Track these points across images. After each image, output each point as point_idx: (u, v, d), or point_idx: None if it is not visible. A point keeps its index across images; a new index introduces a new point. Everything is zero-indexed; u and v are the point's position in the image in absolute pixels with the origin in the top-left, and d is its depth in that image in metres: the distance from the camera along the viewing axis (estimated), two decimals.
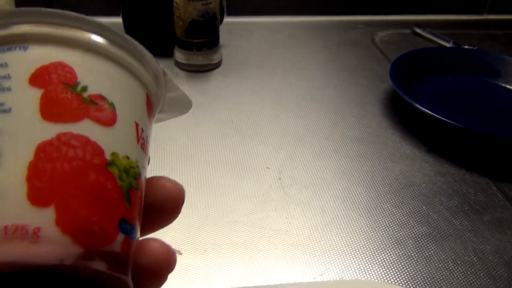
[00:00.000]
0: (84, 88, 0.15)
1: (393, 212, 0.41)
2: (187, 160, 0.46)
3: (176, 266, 0.34)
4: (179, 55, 0.60)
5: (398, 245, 0.38)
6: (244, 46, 0.68)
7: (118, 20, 0.65)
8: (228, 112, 0.53)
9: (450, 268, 0.36)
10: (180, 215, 0.39)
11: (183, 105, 0.21)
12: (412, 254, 0.37)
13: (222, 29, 0.62)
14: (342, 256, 0.36)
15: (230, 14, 0.72)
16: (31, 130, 0.14)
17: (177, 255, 0.35)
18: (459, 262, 0.37)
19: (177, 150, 0.47)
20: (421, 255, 0.37)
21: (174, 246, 0.37)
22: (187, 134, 0.49)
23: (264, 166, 0.45)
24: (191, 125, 0.51)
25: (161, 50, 0.62)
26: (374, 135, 0.51)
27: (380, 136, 0.51)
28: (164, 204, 0.19)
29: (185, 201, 0.42)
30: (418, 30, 0.77)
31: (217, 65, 0.62)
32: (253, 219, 0.39)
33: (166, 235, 0.37)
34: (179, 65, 0.61)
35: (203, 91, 0.57)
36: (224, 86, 0.58)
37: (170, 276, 0.33)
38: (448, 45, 0.72)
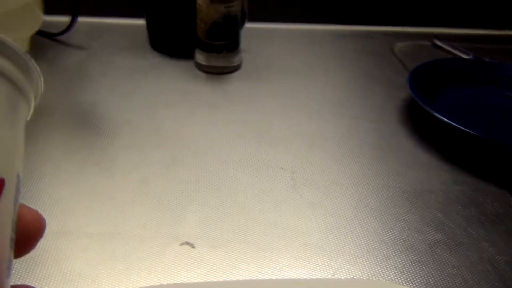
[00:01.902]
0: None
1: (407, 218, 0.41)
2: (203, 157, 0.46)
3: (188, 260, 0.35)
4: (200, 57, 0.61)
5: (412, 250, 0.37)
6: (264, 51, 0.69)
7: (142, 22, 0.66)
8: (246, 113, 0.54)
9: (465, 276, 0.36)
10: (195, 210, 0.40)
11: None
12: (426, 260, 0.37)
13: (243, 34, 0.63)
14: (354, 257, 0.36)
15: (252, 19, 0.73)
16: None
17: (189, 248, 0.36)
18: (474, 271, 0.36)
19: (194, 148, 0.47)
20: (435, 261, 0.37)
21: (187, 239, 0.37)
22: (204, 133, 0.50)
23: (279, 166, 0.46)
24: (209, 124, 0.51)
25: (183, 52, 0.63)
26: (390, 141, 0.51)
27: (396, 143, 0.51)
28: (18, 239, 0.16)
29: (200, 198, 0.43)
30: (437, 42, 0.77)
31: (237, 68, 0.62)
32: (266, 218, 0.40)
33: (180, 227, 0.38)
34: (199, 67, 0.61)
35: (222, 92, 0.58)
36: (242, 89, 0.59)
37: (182, 268, 0.34)
38: (467, 58, 0.72)
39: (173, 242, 0.37)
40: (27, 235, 0.16)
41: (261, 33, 0.74)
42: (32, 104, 0.17)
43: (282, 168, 0.45)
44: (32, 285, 0.16)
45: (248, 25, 0.69)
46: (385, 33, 0.79)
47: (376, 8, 0.80)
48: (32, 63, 0.15)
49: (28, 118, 0.18)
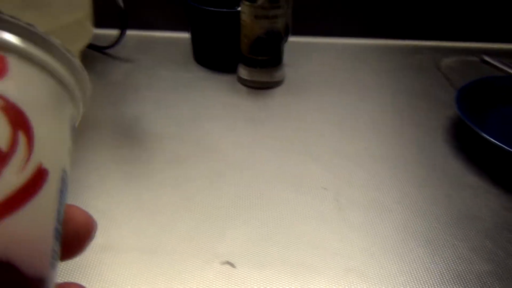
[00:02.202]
0: None
1: (455, 244, 0.39)
2: (246, 174, 0.46)
3: (228, 279, 0.35)
4: (243, 72, 0.61)
5: (459, 280, 0.36)
6: (307, 66, 0.68)
7: (186, 35, 0.68)
8: (287, 129, 0.54)
9: None
10: (236, 228, 0.40)
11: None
12: None
13: (287, 48, 0.63)
14: (397, 285, 0.35)
15: (295, 33, 0.73)
16: None
17: (230, 267, 0.36)
18: None
19: (237, 164, 0.48)
20: None
21: (228, 258, 0.37)
22: (247, 149, 0.50)
23: (321, 186, 0.45)
24: (251, 140, 0.51)
25: (226, 66, 0.64)
26: (436, 161, 0.50)
27: (442, 163, 0.49)
28: (68, 238, 0.16)
29: (242, 215, 0.43)
30: (486, 58, 0.74)
31: (279, 83, 0.62)
32: (308, 239, 0.39)
33: (221, 245, 0.38)
34: (242, 81, 0.62)
35: (264, 107, 0.58)
36: (285, 104, 0.59)
37: None
38: None
39: (214, 260, 0.37)
40: (77, 236, 0.16)
41: (304, 47, 0.74)
42: (81, 106, 0.18)
43: (325, 188, 0.45)
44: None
45: (292, 38, 0.69)
46: (431, 48, 0.77)
47: (422, 22, 0.79)
48: (79, 64, 0.16)
49: (77, 121, 0.19)
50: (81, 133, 0.51)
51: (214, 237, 0.39)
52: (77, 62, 0.17)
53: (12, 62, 0.14)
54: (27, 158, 0.13)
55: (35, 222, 0.13)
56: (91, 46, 0.65)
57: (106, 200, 0.42)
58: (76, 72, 0.17)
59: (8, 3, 0.49)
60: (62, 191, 0.15)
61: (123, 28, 0.64)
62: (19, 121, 0.13)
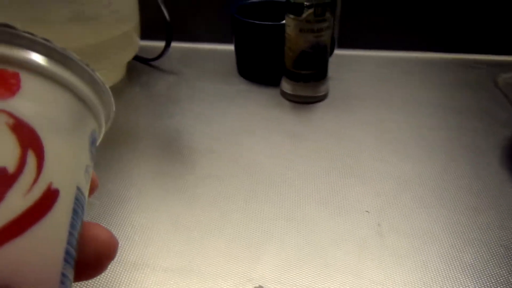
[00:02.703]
0: None
1: (510, 281, 0.36)
2: (284, 193, 0.45)
3: None
4: (286, 86, 0.60)
5: None
6: (353, 80, 0.66)
7: (230, 48, 0.67)
8: (330, 146, 0.52)
9: None
10: (271, 250, 0.38)
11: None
12: None
13: (331, 61, 0.61)
14: None
15: (341, 46, 0.71)
16: None
17: None
18: None
19: (275, 182, 0.46)
20: None
21: (261, 282, 0.36)
22: (286, 166, 0.48)
23: (363, 209, 0.43)
24: (292, 157, 0.50)
25: (269, 79, 0.63)
26: (491, 187, 0.46)
27: (498, 189, 0.46)
28: (88, 258, 0.16)
29: (277, 237, 0.41)
30: None
31: (323, 97, 0.60)
32: (348, 266, 0.37)
33: (254, 268, 0.36)
34: (285, 95, 0.60)
35: (307, 122, 0.56)
36: (328, 119, 0.57)
37: None
38: None
39: (246, 283, 0.35)
40: (98, 256, 0.16)
41: (350, 60, 0.72)
42: (103, 120, 0.17)
43: (367, 211, 0.42)
44: None
45: (337, 51, 0.67)
46: (488, 63, 0.72)
47: (478, 35, 0.74)
48: (101, 79, 0.16)
49: (100, 136, 0.18)
50: (121, 144, 0.51)
51: (247, 259, 0.38)
52: (98, 77, 0.16)
53: (26, 79, 0.14)
54: (35, 178, 0.13)
55: (41, 246, 0.13)
56: (137, 58, 0.66)
57: (142, 215, 0.42)
58: (97, 87, 0.16)
59: (56, 17, 0.51)
60: (76, 211, 0.15)
61: (168, 41, 0.64)
62: (30, 140, 0.13)
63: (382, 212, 0.42)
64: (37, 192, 0.13)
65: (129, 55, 0.63)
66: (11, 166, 0.12)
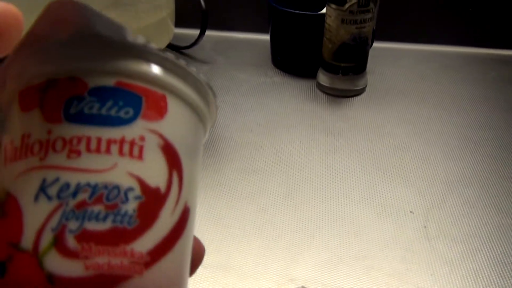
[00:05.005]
0: None
1: None
2: (324, 190, 0.43)
3: None
4: (323, 78, 0.58)
5: None
6: (392, 74, 0.64)
7: (265, 37, 0.65)
8: (370, 142, 0.50)
9: None
10: (312, 249, 0.37)
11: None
12: None
13: (370, 53, 0.59)
14: None
15: (379, 39, 0.69)
16: None
17: None
18: None
19: (314, 178, 0.44)
20: None
21: (303, 282, 0.34)
22: (325, 162, 0.47)
23: (408, 209, 0.41)
24: (329, 153, 0.48)
25: (305, 71, 0.61)
26: None
27: None
28: None
29: (319, 236, 0.40)
30: None
31: (361, 91, 0.58)
32: (392, 269, 0.35)
33: (295, 267, 0.35)
34: (322, 88, 0.58)
35: (344, 117, 0.54)
36: (367, 114, 0.55)
37: None
38: None
39: (288, 283, 0.34)
40: (192, 262, 0.17)
41: (389, 53, 0.69)
42: (207, 135, 0.18)
43: (412, 212, 0.41)
44: None
45: (375, 44, 0.64)
46: None
47: None
48: (214, 94, 0.16)
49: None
50: None
51: (288, 258, 0.36)
52: (212, 92, 0.16)
53: (171, 102, 0.14)
54: (178, 198, 0.14)
55: (182, 258, 0.14)
56: (170, 46, 0.65)
57: None
58: (210, 102, 0.17)
59: (95, 3, 0.50)
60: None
61: (203, 29, 0.63)
62: (174, 161, 0.14)
63: (428, 213, 0.41)
64: (179, 210, 0.14)
65: (163, 43, 0.61)
66: (163, 187, 0.13)
